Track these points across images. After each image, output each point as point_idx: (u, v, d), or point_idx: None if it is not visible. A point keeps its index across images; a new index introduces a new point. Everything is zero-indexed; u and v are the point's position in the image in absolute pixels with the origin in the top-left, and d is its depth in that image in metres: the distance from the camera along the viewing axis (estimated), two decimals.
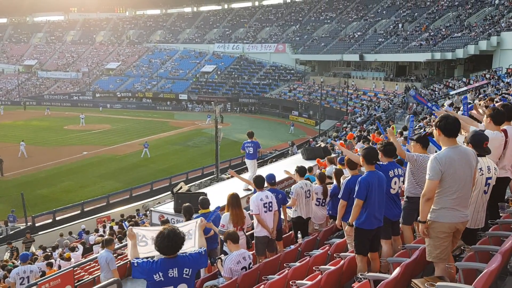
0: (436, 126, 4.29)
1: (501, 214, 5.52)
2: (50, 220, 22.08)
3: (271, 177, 7.94)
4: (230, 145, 36.87)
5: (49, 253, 14.36)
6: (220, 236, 7.18)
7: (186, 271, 4.02)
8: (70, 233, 18.76)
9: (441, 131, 4.23)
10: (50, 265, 11.73)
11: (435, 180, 4.16)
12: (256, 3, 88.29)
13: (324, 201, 8.51)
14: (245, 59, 72.16)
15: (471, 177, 4.26)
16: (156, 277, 3.95)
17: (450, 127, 4.19)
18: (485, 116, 5.61)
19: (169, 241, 3.94)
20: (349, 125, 36.55)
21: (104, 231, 17.47)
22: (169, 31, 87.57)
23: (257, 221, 7.29)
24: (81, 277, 11.05)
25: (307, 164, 13.37)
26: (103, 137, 44.01)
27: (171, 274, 3.97)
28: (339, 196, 6.19)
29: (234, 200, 7.27)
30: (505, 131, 5.39)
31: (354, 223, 5.50)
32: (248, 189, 11.47)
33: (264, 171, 11.47)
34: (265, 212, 7.26)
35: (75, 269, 10.51)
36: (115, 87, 72.60)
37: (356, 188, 5.40)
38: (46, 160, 33.84)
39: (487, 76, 33.76)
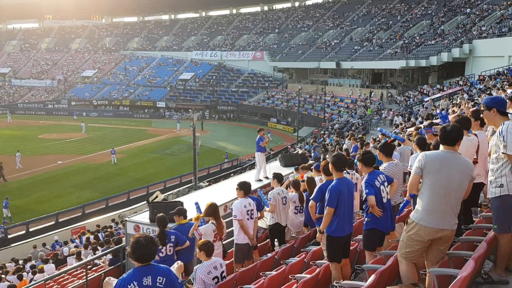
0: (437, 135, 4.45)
1: (474, 219, 5.56)
2: (23, 232, 21.50)
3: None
4: (209, 152, 36.75)
5: (21, 266, 13.95)
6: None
7: (159, 279, 3.94)
8: (44, 244, 18.29)
9: (440, 139, 4.34)
10: (20, 277, 11.36)
11: (414, 174, 4.29)
12: (234, 11, 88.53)
13: (301, 208, 8.50)
14: (223, 67, 72.14)
15: (459, 185, 4.21)
16: (131, 286, 3.88)
17: (447, 136, 4.25)
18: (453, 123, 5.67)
19: (145, 249, 3.87)
20: (326, 132, 36.79)
21: (80, 242, 17.11)
22: (146, 38, 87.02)
23: (239, 227, 7.25)
24: None
25: (285, 171, 13.37)
26: (79, 145, 43.26)
27: (145, 283, 3.90)
28: (311, 197, 6.14)
29: (211, 210, 7.18)
30: (475, 136, 5.46)
31: (325, 231, 5.47)
32: (260, 180, 12.12)
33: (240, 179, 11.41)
34: (247, 219, 7.28)
35: (47, 282, 10.21)
36: (91, 95, 71.58)
37: (327, 197, 5.38)
38: (19, 170, 33.06)
39: (460, 83, 34.47)
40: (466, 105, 14.99)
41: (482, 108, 4.83)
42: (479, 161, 5.55)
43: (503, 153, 4.29)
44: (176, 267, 4.80)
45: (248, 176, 14.36)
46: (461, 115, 5.70)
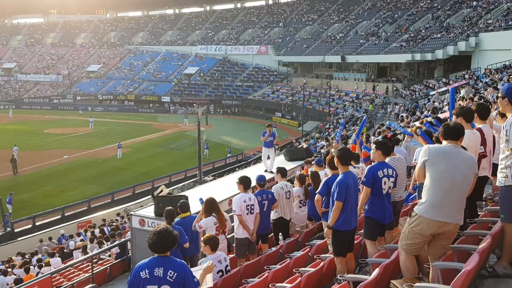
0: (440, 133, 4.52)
1: (479, 213, 5.55)
2: (30, 226, 21.65)
3: (261, 178, 7.89)
4: (214, 147, 36.75)
5: (28, 260, 14.07)
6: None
7: (170, 273, 3.95)
8: (50, 238, 18.44)
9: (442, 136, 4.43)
10: (26, 270, 11.44)
11: (419, 167, 4.35)
12: (239, 5, 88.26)
13: (304, 201, 8.51)
14: (228, 61, 72.05)
15: (464, 178, 4.21)
16: (143, 274, 3.97)
17: (450, 130, 4.32)
18: (454, 115, 5.65)
19: (160, 237, 3.94)
20: (331, 126, 36.72)
21: (86, 235, 17.22)
22: (151, 33, 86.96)
23: (238, 222, 7.26)
24: (59, 283, 10.82)
25: (289, 165, 13.37)
26: (85, 140, 43.41)
27: (156, 273, 3.96)
28: (317, 191, 6.16)
29: (208, 206, 7.16)
30: (480, 130, 5.42)
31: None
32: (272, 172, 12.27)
33: (246, 173, 11.42)
34: (247, 214, 7.26)
35: (53, 275, 10.29)
36: (96, 89, 71.76)
37: (336, 190, 5.37)
38: (25, 165, 33.19)
39: (466, 76, 34.24)
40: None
41: (499, 95, 4.87)
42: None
43: (506, 147, 4.34)
44: (205, 266, 4.75)
45: (253, 171, 14.36)
46: (463, 107, 5.66)
